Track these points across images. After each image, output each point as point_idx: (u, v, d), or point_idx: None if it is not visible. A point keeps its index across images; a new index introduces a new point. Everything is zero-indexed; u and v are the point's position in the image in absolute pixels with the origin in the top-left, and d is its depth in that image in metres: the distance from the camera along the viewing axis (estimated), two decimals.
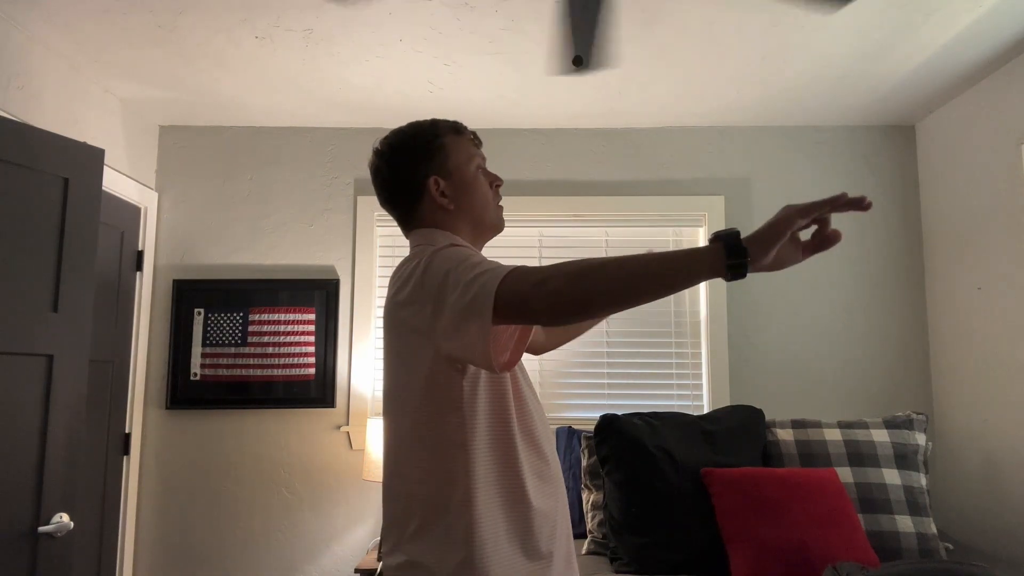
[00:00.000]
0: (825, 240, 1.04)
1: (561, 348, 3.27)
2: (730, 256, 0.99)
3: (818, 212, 1.00)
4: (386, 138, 1.43)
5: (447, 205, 1.37)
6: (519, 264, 1.15)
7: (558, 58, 2.01)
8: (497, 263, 1.17)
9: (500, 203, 1.45)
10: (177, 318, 3.24)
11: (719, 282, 3.26)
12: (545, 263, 3.30)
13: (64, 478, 2.09)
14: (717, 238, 1.01)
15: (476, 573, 1.17)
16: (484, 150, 3.21)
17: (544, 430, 1.33)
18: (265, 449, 3.21)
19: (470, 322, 1.11)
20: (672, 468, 2.45)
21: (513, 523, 1.22)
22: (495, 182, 1.43)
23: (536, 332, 1.65)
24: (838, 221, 3.31)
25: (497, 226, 1.43)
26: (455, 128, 1.42)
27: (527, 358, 3.21)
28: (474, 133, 1.45)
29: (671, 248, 3.30)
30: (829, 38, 2.53)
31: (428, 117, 3.23)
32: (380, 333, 3.32)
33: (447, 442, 1.23)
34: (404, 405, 1.28)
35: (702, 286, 3.31)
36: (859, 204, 1.00)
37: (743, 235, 1.02)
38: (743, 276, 1.00)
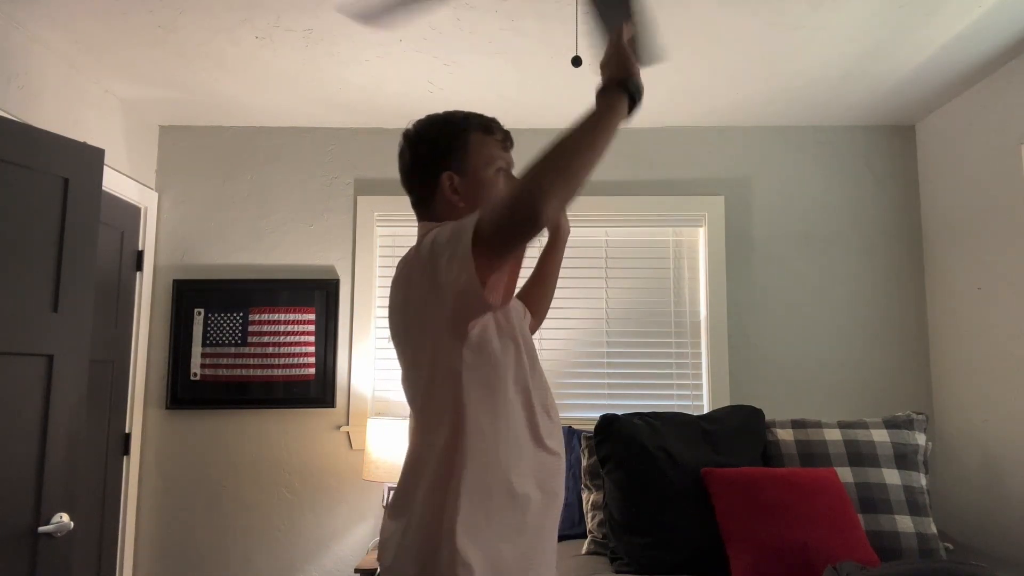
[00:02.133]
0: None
1: (561, 347, 3.27)
2: (633, 104, 1.23)
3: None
4: (418, 122, 1.42)
5: (457, 202, 1.36)
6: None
7: (363, 8, 1.97)
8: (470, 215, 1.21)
9: None
10: (177, 318, 3.24)
11: (719, 281, 3.27)
12: None
13: (64, 478, 2.09)
14: (608, 91, 1.22)
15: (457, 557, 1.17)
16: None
17: (545, 415, 1.32)
18: (265, 449, 3.21)
19: (463, 268, 1.14)
20: (672, 468, 2.45)
21: (499, 509, 1.23)
22: None
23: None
24: (838, 217, 3.31)
25: None
26: (485, 126, 1.39)
27: None
28: (507, 134, 1.42)
29: (670, 247, 3.32)
30: (829, 38, 2.53)
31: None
32: (380, 333, 3.32)
33: (447, 416, 1.23)
34: (417, 383, 1.28)
35: (701, 284, 3.31)
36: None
37: (605, 67, 1.26)
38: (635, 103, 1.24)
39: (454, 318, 1.21)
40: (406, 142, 1.41)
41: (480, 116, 1.40)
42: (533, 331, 1.69)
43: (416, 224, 1.45)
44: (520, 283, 1.57)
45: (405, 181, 1.42)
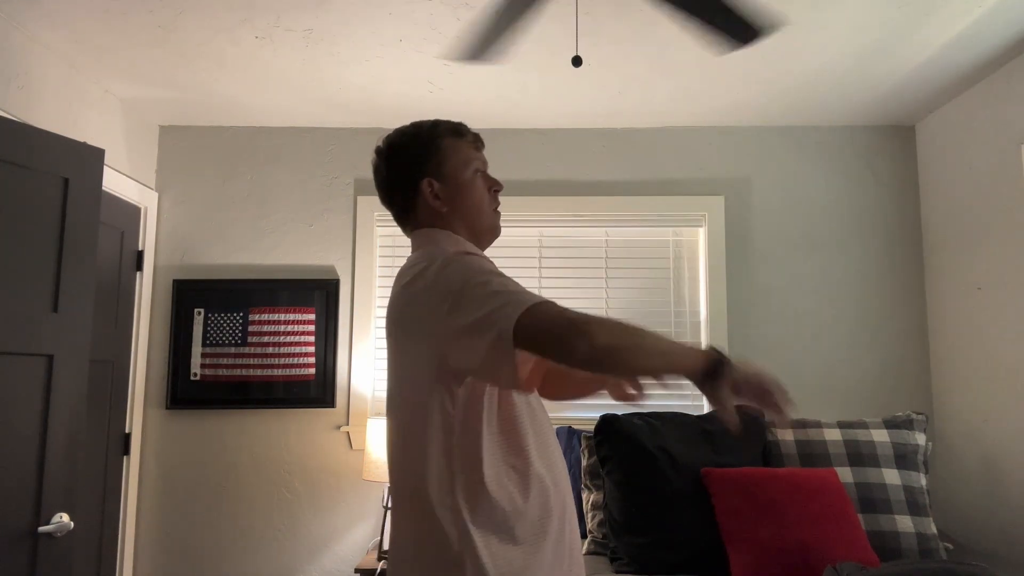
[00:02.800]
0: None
1: None
2: (716, 369, 1.11)
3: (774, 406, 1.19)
4: (388, 136, 1.43)
5: (440, 208, 1.37)
6: (543, 298, 1.15)
7: (468, 46, 2.00)
8: (519, 286, 1.18)
9: (497, 208, 1.44)
10: (177, 318, 3.24)
11: (719, 281, 3.27)
12: (545, 263, 3.32)
13: (64, 478, 2.09)
14: (709, 349, 1.14)
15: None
16: (485, 150, 3.22)
17: (540, 441, 1.30)
18: (265, 449, 3.21)
19: (487, 336, 1.12)
20: (672, 468, 2.45)
21: (500, 523, 1.21)
22: (494, 187, 1.43)
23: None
24: (838, 217, 3.31)
25: (492, 231, 1.43)
26: (456, 130, 1.41)
27: None
28: (476, 136, 1.44)
29: (670, 247, 3.32)
30: (829, 38, 2.53)
31: (429, 117, 3.24)
32: (380, 333, 3.32)
33: (440, 441, 1.22)
34: (405, 404, 1.27)
35: (701, 284, 3.31)
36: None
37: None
38: (711, 386, 1.14)
39: (464, 369, 1.21)
40: (380, 158, 1.42)
41: (448, 121, 1.42)
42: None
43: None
44: None
45: (385, 196, 1.43)
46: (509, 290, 1.16)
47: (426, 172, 1.37)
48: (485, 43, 1.97)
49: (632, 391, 1.37)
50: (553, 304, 1.13)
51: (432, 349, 1.22)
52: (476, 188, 1.39)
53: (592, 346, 1.06)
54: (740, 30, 1.86)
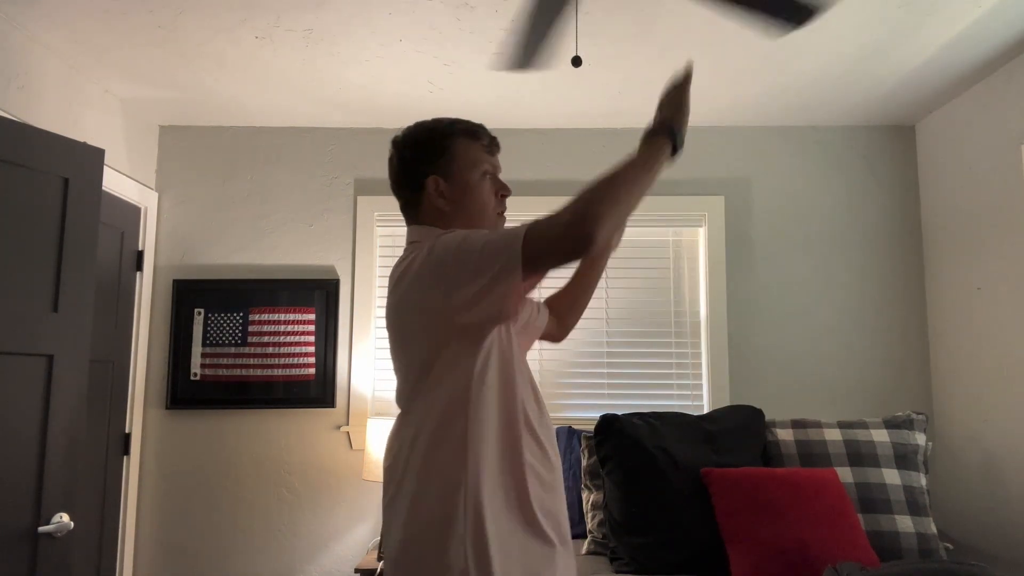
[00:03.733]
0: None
1: (561, 347, 3.27)
2: (676, 147, 1.28)
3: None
4: (406, 128, 1.45)
5: (443, 206, 1.38)
6: (525, 225, 1.18)
7: (508, 55, 2.03)
8: (501, 229, 1.23)
9: (502, 212, 1.45)
10: (177, 318, 3.24)
11: (719, 281, 3.27)
12: None
13: (64, 478, 2.09)
14: (656, 134, 1.28)
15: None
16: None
17: (544, 429, 1.34)
18: (265, 449, 3.21)
19: (499, 284, 1.17)
20: (672, 468, 2.45)
21: (515, 513, 1.25)
22: (501, 191, 1.44)
23: (549, 325, 1.67)
24: (838, 217, 3.31)
25: None
26: (471, 132, 1.42)
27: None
28: (493, 139, 1.44)
29: (670, 247, 3.32)
30: (829, 38, 2.53)
31: (429, 117, 3.24)
32: (380, 333, 3.32)
33: (452, 436, 1.24)
34: (413, 394, 1.29)
35: (701, 284, 3.31)
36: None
37: (660, 120, 1.31)
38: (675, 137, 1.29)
39: (478, 326, 1.24)
40: (394, 148, 1.45)
41: (466, 122, 1.43)
42: (558, 339, 1.71)
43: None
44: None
45: (394, 186, 1.46)
46: (494, 236, 1.20)
47: (434, 169, 1.38)
48: (528, 50, 1.98)
49: None
50: (537, 221, 1.17)
51: (439, 326, 1.24)
52: (482, 191, 1.40)
53: (597, 218, 1.11)
54: (793, 11, 1.84)
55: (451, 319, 1.22)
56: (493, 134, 1.45)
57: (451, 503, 1.21)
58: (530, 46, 1.97)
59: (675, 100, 1.32)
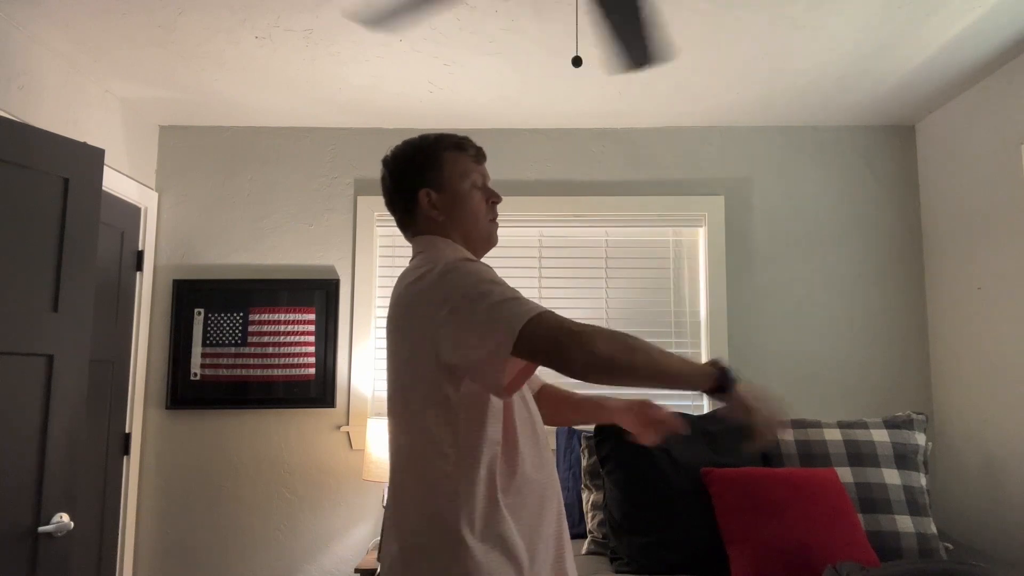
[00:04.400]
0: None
1: None
2: (722, 385, 1.20)
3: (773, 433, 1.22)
4: (394, 148, 1.50)
5: (437, 217, 1.43)
6: (543, 308, 1.20)
7: (615, 60, 2.04)
8: (518, 294, 1.23)
9: (494, 219, 1.49)
10: (177, 318, 3.24)
11: (719, 281, 3.27)
12: (545, 263, 3.32)
13: (64, 478, 2.09)
14: (715, 366, 1.21)
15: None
16: (486, 151, 3.24)
17: (533, 447, 1.33)
18: (265, 449, 3.21)
19: (487, 342, 1.18)
20: (672, 468, 2.45)
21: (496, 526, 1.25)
22: (491, 199, 1.48)
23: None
24: (838, 217, 3.32)
25: (487, 241, 1.48)
26: (457, 144, 1.47)
27: None
28: (479, 150, 1.49)
29: (670, 247, 3.32)
30: (829, 38, 2.53)
31: (429, 117, 3.25)
32: (380, 333, 3.32)
33: (437, 448, 1.26)
34: (406, 406, 1.31)
35: (701, 284, 3.31)
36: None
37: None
38: (720, 396, 1.21)
39: (463, 369, 1.25)
40: (384, 168, 1.49)
41: (452, 135, 1.48)
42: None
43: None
44: None
45: (388, 204, 1.50)
46: (509, 298, 1.20)
47: (425, 183, 1.43)
48: (392, 13, 1.95)
49: (663, 420, 1.48)
50: (554, 314, 1.18)
51: (430, 351, 1.26)
52: (472, 199, 1.44)
53: (592, 354, 1.12)
54: (639, 52, 1.87)
55: (440, 350, 1.24)
56: (479, 145, 1.50)
57: (435, 517, 1.23)
58: (633, 43, 1.96)
59: (754, 403, 1.21)
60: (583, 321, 1.21)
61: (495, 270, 1.40)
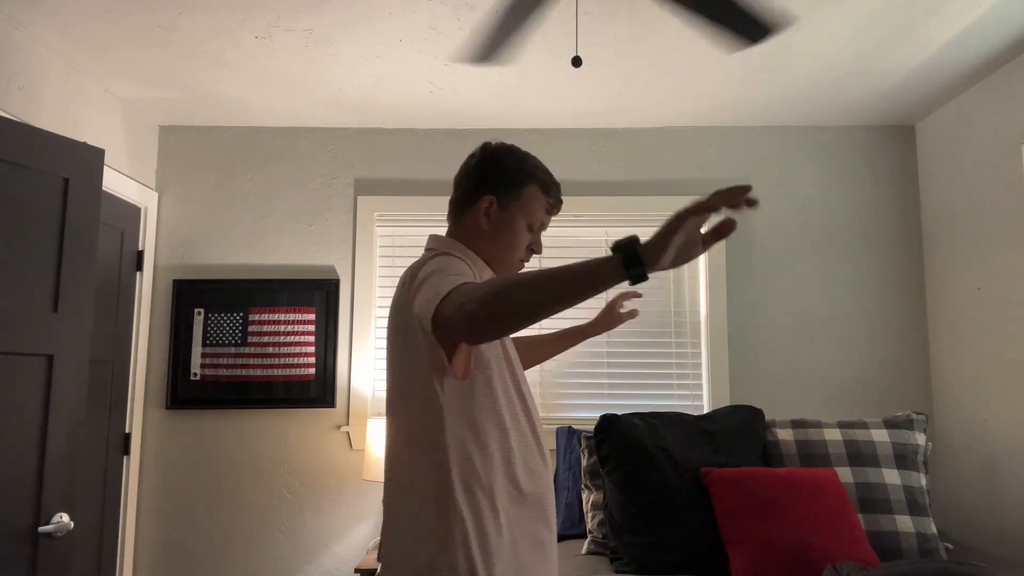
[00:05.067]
0: (719, 232, 1.02)
1: None
2: (628, 267, 1.02)
3: (704, 211, 0.99)
4: (503, 144, 1.51)
5: (483, 224, 1.44)
6: (465, 282, 1.17)
7: (474, 47, 2.04)
8: (461, 281, 1.19)
9: (523, 261, 1.50)
10: (177, 318, 3.24)
11: (719, 282, 3.27)
12: (545, 263, 3.32)
13: (64, 478, 2.09)
14: (617, 248, 1.03)
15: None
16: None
17: (523, 442, 1.35)
18: (265, 449, 3.21)
19: (421, 329, 1.22)
20: (672, 468, 2.45)
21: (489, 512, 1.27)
22: (533, 247, 1.49)
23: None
24: (838, 217, 3.32)
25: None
26: (546, 186, 1.47)
27: None
28: (559, 201, 1.50)
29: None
30: (830, 38, 2.53)
31: (429, 117, 3.24)
32: (380, 333, 3.32)
33: (430, 441, 1.28)
34: (403, 403, 1.33)
35: (702, 286, 3.31)
36: (742, 196, 0.97)
37: (642, 240, 1.04)
38: (644, 280, 1.03)
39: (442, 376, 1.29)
40: (482, 152, 1.49)
41: (549, 175, 1.49)
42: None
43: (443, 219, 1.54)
44: None
45: (459, 178, 1.50)
46: (444, 283, 1.18)
47: (497, 193, 1.44)
48: (493, 45, 1.99)
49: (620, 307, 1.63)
50: (462, 287, 1.14)
51: (418, 344, 1.30)
52: (520, 235, 1.46)
53: (471, 317, 1.06)
54: (750, 28, 1.86)
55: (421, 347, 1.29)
56: (561, 199, 1.50)
57: (429, 510, 1.25)
58: (496, 40, 1.98)
59: (665, 237, 1.02)
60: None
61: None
